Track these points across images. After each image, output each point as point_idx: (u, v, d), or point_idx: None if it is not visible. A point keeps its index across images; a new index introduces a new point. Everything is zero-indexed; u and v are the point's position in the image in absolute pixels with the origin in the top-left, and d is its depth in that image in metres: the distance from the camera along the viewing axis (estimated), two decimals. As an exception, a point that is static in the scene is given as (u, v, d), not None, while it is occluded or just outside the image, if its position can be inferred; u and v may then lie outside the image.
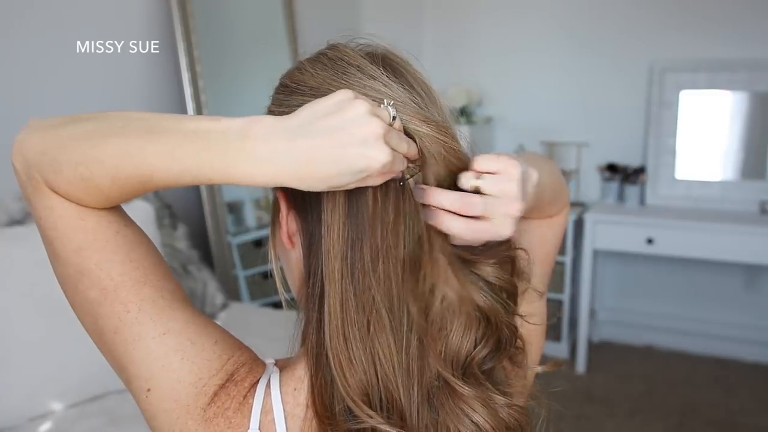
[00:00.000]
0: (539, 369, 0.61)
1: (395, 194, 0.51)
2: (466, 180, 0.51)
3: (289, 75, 0.57)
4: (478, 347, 0.53)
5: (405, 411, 0.51)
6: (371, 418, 0.50)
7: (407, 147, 0.49)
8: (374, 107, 0.47)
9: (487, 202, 0.50)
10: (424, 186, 0.51)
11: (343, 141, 0.44)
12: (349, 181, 0.46)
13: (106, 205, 0.52)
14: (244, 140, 0.45)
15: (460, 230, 0.50)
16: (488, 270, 0.54)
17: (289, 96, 0.55)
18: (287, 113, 0.51)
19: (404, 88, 0.53)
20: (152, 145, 0.47)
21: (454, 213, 0.50)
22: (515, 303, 0.57)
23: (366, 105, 0.46)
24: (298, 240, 0.56)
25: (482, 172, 0.51)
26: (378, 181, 0.48)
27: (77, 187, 0.50)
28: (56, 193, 0.51)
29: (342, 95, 0.46)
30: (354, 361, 0.50)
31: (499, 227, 0.50)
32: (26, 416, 1.41)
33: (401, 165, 0.48)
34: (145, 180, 0.49)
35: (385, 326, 0.51)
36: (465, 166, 0.52)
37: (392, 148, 0.46)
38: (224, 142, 0.46)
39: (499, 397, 0.53)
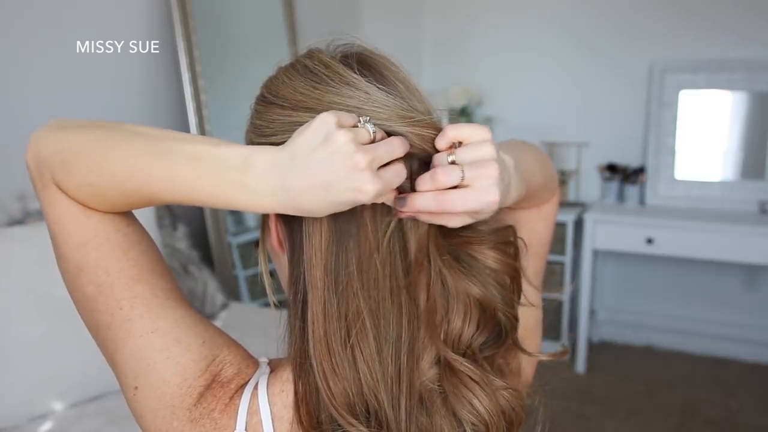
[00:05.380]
0: (544, 357, 0.61)
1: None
2: (441, 159, 0.51)
3: (267, 85, 0.57)
4: (476, 334, 0.54)
5: (391, 420, 0.51)
6: (355, 427, 0.50)
7: (395, 174, 0.48)
8: (354, 132, 0.47)
9: (465, 170, 0.49)
10: (403, 198, 0.51)
11: (333, 175, 0.46)
12: (342, 208, 0.48)
13: (111, 210, 0.54)
14: (242, 172, 0.47)
15: (448, 203, 0.49)
16: (490, 254, 0.54)
17: (267, 107, 0.55)
18: (265, 127, 0.53)
19: (381, 87, 0.52)
20: (156, 165, 0.49)
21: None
22: (519, 288, 0.57)
23: (348, 135, 0.46)
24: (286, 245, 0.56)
25: (450, 147, 0.51)
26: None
27: (85, 192, 0.52)
28: (63, 192, 0.53)
29: (324, 123, 0.46)
30: (337, 370, 0.50)
31: (483, 192, 0.49)
32: (26, 416, 1.41)
33: (399, 180, 0.49)
34: (150, 197, 0.51)
35: (368, 335, 0.51)
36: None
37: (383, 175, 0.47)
38: (224, 172, 0.47)
39: (497, 380, 0.54)
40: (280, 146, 0.48)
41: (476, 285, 0.54)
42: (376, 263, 0.51)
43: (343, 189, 0.46)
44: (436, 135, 0.52)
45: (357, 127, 0.49)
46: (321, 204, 0.47)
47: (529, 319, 0.64)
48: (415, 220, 0.52)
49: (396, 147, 0.49)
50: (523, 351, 0.58)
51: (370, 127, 0.49)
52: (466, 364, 0.52)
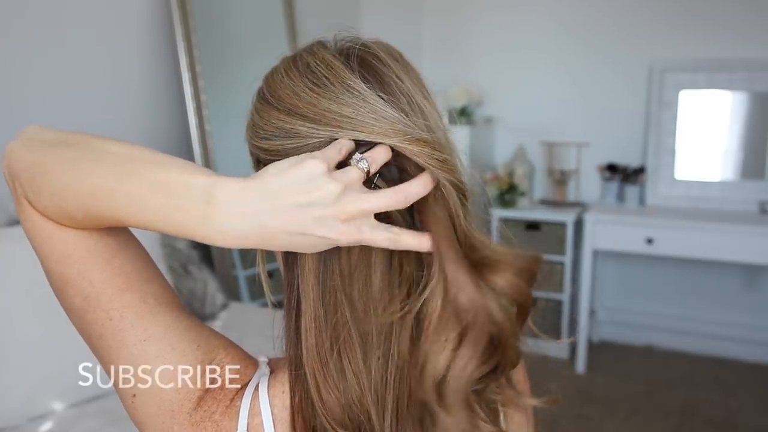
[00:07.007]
0: (536, 402, 0.55)
1: None
2: None
3: (267, 79, 0.55)
4: (477, 366, 0.47)
5: (379, 431, 0.50)
6: None
7: (384, 233, 0.46)
8: (344, 180, 0.45)
9: None
10: None
11: (311, 222, 0.44)
12: (315, 250, 0.47)
13: (81, 228, 0.52)
14: (206, 205, 0.44)
15: None
16: (505, 277, 0.48)
17: (264, 106, 0.54)
18: (260, 127, 0.52)
19: (381, 95, 0.50)
20: (122, 190, 0.47)
21: None
22: (525, 319, 0.53)
23: (337, 186, 0.44)
24: None
25: None
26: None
27: (52, 211, 0.51)
28: (34, 209, 0.52)
29: (312, 169, 0.44)
30: (328, 380, 0.50)
31: None
32: (26, 416, 1.41)
33: (384, 241, 0.47)
34: (114, 221, 0.49)
35: (355, 346, 0.50)
36: (457, 176, 0.51)
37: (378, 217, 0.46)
38: (188, 204, 0.45)
39: (485, 425, 0.51)
40: (250, 178, 0.45)
41: (497, 304, 0.46)
42: (363, 277, 0.50)
43: (316, 236, 0.45)
44: (434, 153, 0.49)
45: (349, 163, 0.47)
46: (295, 246, 0.46)
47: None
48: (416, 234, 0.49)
49: (390, 201, 0.46)
50: (515, 390, 0.55)
51: (363, 165, 0.47)
52: (446, 416, 0.48)
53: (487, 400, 0.54)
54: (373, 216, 0.46)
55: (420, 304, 0.48)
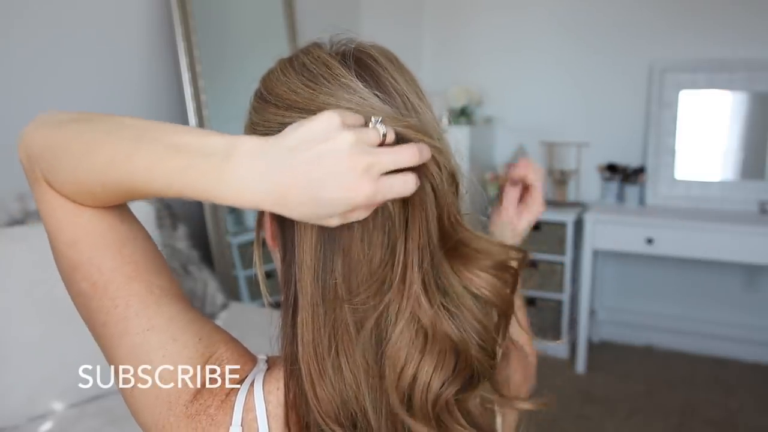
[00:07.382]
0: (526, 406, 0.57)
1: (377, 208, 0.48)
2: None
3: (264, 80, 0.56)
4: (449, 381, 0.50)
5: (375, 428, 0.50)
6: None
7: (400, 184, 0.45)
8: (360, 133, 0.44)
9: None
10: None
11: (325, 172, 0.43)
12: (331, 213, 0.44)
13: (99, 205, 0.53)
14: (224, 162, 0.44)
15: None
16: (485, 278, 0.51)
17: (262, 104, 0.54)
18: (260, 125, 0.52)
19: (377, 93, 0.51)
20: (137, 156, 0.47)
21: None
22: (506, 327, 0.54)
23: (352, 136, 0.43)
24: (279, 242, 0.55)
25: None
26: (364, 215, 0.46)
27: (70, 188, 0.51)
28: (53, 189, 0.53)
29: (328, 120, 0.44)
30: (324, 376, 0.50)
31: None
32: (26, 416, 1.41)
33: (403, 191, 0.45)
34: (133, 190, 0.49)
35: (353, 344, 0.50)
36: (452, 168, 0.51)
37: (383, 179, 0.44)
38: (205, 162, 0.44)
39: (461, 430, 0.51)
40: (270, 137, 0.45)
41: (454, 324, 0.50)
42: (364, 275, 0.50)
43: (332, 187, 0.43)
44: (427, 142, 0.49)
45: (367, 126, 0.46)
46: (309, 204, 0.44)
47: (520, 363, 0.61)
48: (415, 232, 0.49)
49: (403, 155, 0.45)
50: (500, 395, 0.55)
51: (381, 127, 0.46)
52: (421, 428, 0.50)
53: (481, 402, 0.54)
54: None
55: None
